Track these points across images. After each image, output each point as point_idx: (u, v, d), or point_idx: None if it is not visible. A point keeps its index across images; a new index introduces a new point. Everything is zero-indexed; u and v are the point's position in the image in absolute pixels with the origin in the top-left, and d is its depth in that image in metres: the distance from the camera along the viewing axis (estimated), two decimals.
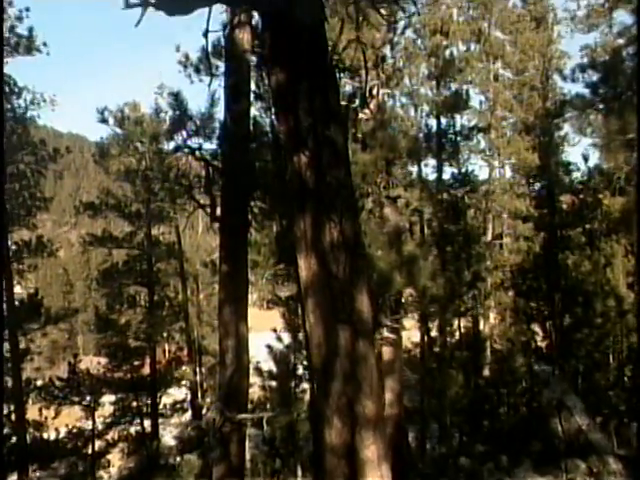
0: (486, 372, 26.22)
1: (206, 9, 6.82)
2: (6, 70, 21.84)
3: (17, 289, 23.88)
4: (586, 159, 26.04)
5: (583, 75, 19.54)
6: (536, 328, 25.87)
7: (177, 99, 12.97)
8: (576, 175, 26.88)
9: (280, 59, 6.50)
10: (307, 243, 5.75)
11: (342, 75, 12.13)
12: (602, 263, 21.85)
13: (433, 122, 23.33)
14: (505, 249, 29.93)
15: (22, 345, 21.65)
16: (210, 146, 13.28)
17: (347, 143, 7.53)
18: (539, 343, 25.74)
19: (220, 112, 12.88)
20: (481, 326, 28.22)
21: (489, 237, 29.73)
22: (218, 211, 12.06)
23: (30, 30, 21.54)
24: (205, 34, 8.06)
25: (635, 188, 11.42)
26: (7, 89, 22.03)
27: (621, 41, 21.90)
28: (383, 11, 6.07)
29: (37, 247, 22.56)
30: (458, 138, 23.30)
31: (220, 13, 12.21)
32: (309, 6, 6.23)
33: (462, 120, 26.31)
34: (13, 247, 22.29)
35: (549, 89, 29.13)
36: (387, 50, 16.92)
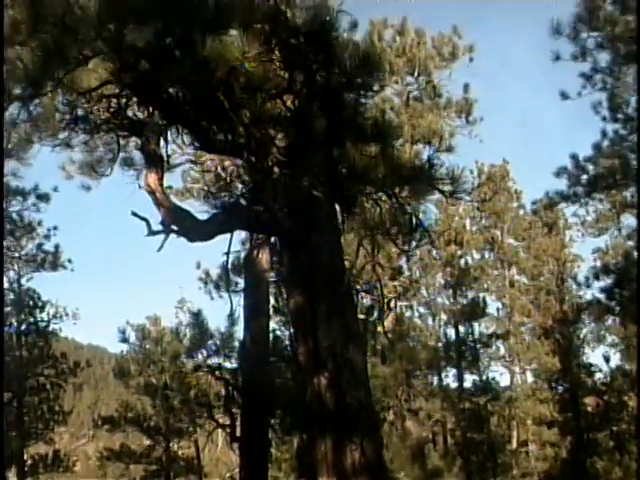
0: None
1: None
2: (31, 284, 22.79)
3: None
4: (607, 360, 25.93)
5: (597, 280, 20.03)
6: None
7: (197, 318, 13.43)
8: (599, 376, 26.60)
9: (298, 281, 6.91)
10: (328, 466, 5.82)
11: (359, 289, 12.63)
12: (634, 468, 21.03)
13: (451, 331, 23.69)
14: (531, 456, 28.94)
15: None
16: (230, 365, 13.52)
17: (366, 360, 7.77)
18: None
19: (240, 330, 13.22)
20: None
21: (514, 445, 28.88)
22: (238, 431, 12.04)
23: (56, 247, 22.74)
24: (227, 253, 8.63)
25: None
26: (31, 302, 22.86)
27: (631, 243, 22.65)
28: (399, 241, 6.59)
29: (54, 462, 22.23)
30: (477, 346, 23.50)
31: (239, 233, 13.03)
32: (326, 232, 6.74)
33: (480, 328, 26.64)
34: (29, 462, 21.99)
35: (565, 292, 29.61)
36: (403, 262, 17.64)
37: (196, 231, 6.84)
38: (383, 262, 14.10)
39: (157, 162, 6.88)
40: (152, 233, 6.99)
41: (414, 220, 6.12)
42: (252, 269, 12.52)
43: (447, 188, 6.31)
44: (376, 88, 6.47)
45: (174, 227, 6.89)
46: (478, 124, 21.94)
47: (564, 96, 14.90)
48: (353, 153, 5.87)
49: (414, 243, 6.41)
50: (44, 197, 21.13)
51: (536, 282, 31.05)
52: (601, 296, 19.10)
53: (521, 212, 32.69)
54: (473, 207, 26.08)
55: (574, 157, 15.90)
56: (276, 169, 6.04)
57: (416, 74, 21.31)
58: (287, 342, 13.89)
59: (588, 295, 22.98)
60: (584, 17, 13.30)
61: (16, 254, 21.94)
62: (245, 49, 4.95)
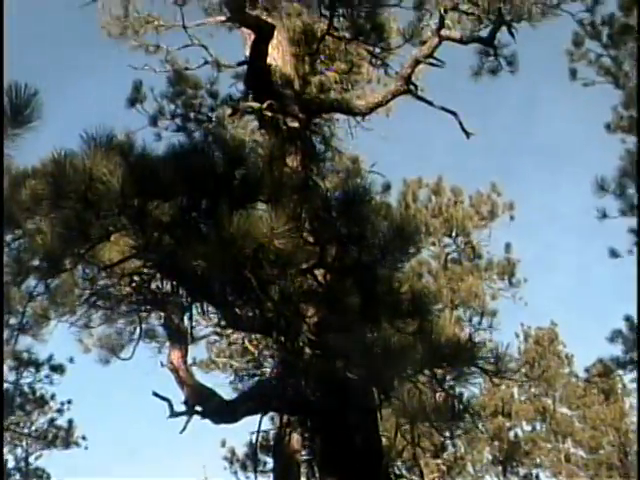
0: None
1: None
2: (40, 463, 22.17)
3: None
4: None
5: None
6: None
7: None
8: None
9: (332, 464, 6.63)
10: None
11: (398, 473, 12.08)
12: None
13: None
14: None
15: None
16: None
17: None
18: None
19: None
20: None
21: None
22: None
23: (70, 422, 22.22)
24: (256, 432, 8.29)
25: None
26: None
27: None
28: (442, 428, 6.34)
29: None
30: None
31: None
32: (362, 412, 6.53)
33: None
34: None
35: (629, 467, 28.21)
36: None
37: (222, 413, 6.71)
38: (424, 442, 13.57)
39: (181, 338, 6.84)
40: (174, 415, 6.85)
41: (458, 405, 5.88)
42: (282, 448, 12.11)
43: (491, 367, 6.13)
44: (412, 251, 6.45)
45: (198, 408, 6.76)
46: (522, 285, 21.87)
47: (614, 254, 14.78)
48: (389, 331, 5.75)
49: (459, 430, 6.13)
50: (58, 368, 20.93)
51: (595, 456, 29.70)
52: None
53: (574, 379, 31.83)
54: (521, 374, 25.45)
55: (628, 319, 15.52)
56: (307, 350, 5.94)
57: (454, 235, 21.55)
58: None
59: None
60: (629, 171, 13.43)
61: (25, 430, 21.46)
62: (274, 225, 4.97)
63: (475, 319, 18.70)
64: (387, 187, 16.40)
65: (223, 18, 8.89)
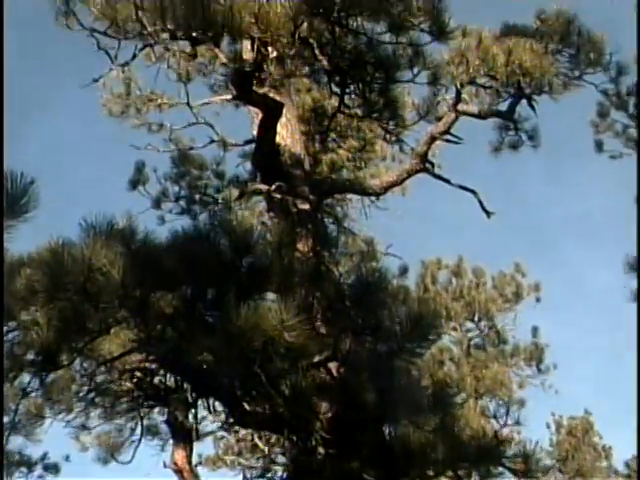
0: None
1: None
2: None
3: None
4: None
5: None
6: None
7: None
8: None
9: None
10: None
11: None
12: None
13: None
14: None
15: None
16: None
17: None
18: None
19: None
20: None
21: None
22: None
23: None
24: None
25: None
26: None
27: None
28: None
29: None
30: None
31: None
32: None
33: None
34: None
35: None
36: None
37: None
38: None
39: (185, 436, 6.77)
40: None
41: None
42: None
43: (520, 466, 6.05)
44: (432, 337, 6.43)
45: None
46: (552, 372, 21.59)
47: None
48: (408, 428, 5.69)
49: None
50: (53, 468, 20.46)
51: None
52: None
53: (613, 474, 31.06)
54: (554, 470, 24.87)
55: None
56: (321, 448, 5.86)
57: (477, 319, 21.42)
58: None
59: None
60: None
61: None
62: (284, 317, 4.98)
63: (502, 410, 18.40)
64: (404, 270, 16.47)
65: (229, 97, 9.08)
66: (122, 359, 6.09)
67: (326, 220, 10.50)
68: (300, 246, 7.61)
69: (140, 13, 6.15)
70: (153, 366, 6.11)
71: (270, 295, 5.75)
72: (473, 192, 9.58)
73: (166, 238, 5.98)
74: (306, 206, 8.04)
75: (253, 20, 5.84)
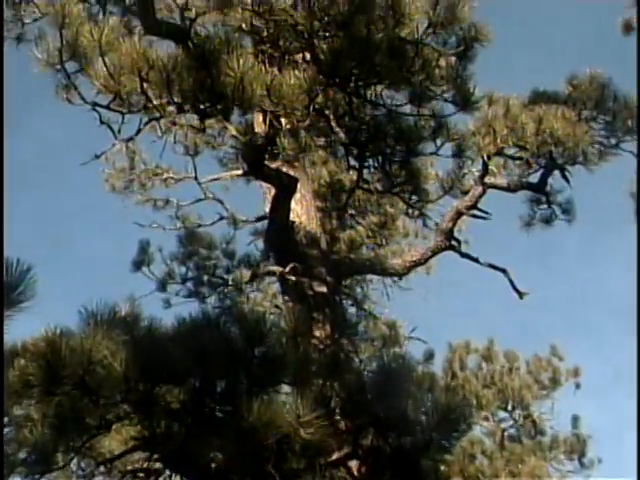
0: None
1: None
2: None
3: None
4: None
5: None
6: None
7: None
8: None
9: None
10: None
11: None
12: None
13: None
14: None
15: None
16: None
17: None
18: None
19: None
20: None
21: None
22: None
23: None
24: None
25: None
26: None
27: None
28: None
29: None
30: None
31: None
32: None
33: None
34: None
35: None
36: None
37: None
38: None
39: None
40: None
41: None
42: None
43: None
44: (462, 429, 6.33)
45: None
46: (596, 466, 21.14)
47: None
48: None
49: None
50: None
51: None
52: None
53: None
54: None
55: None
56: None
57: (510, 408, 21.10)
58: None
59: None
60: None
61: None
62: (299, 412, 4.93)
63: None
64: (430, 355, 16.33)
65: (240, 172, 9.20)
66: (124, 458, 6.03)
67: (345, 302, 10.49)
68: (317, 332, 7.59)
69: (145, 85, 6.22)
70: (158, 466, 6.03)
71: (285, 388, 5.71)
72: (503, 271, 9.57)
73: (172, 325, 5.97)
74: (323, 288, 8.05)
75: (265, 92, 5.91)
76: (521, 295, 9.65)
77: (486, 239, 13.56)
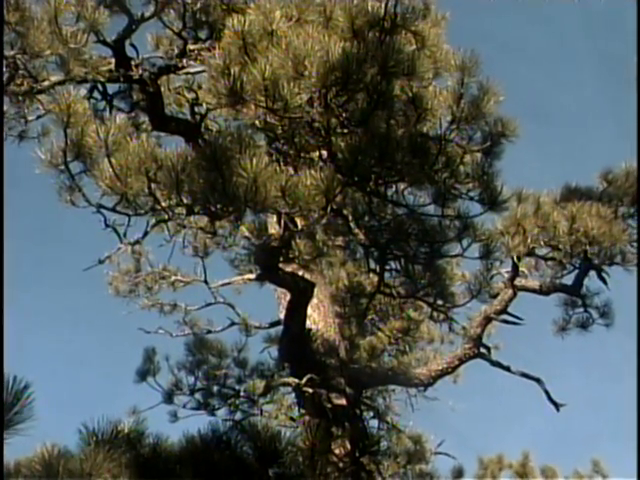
0: None
1: None
2: None
3: None
4: None
5: None
6: None
7: None
8: None
9: None
10: None
11: None
12: None
13: None
14: None
15: None
16: None
17: None
18: None
19: None
20: None
21: None
22: None
23: None
24: None
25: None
26: None
27: None
28: None
29: None
30: None
31: None
32: None
33: None
34: None
35: None
36: None
37: None
38: None
39: None
40: None
41: None
42: None
43: None
44: None
45: None
46: None
47: None
48: None
49: None
50: None
51: None
52: None
53: None
54: None
55: None
56: None
57: None
58: None
59: None
60: None
61: None
62: None
63: None
64: (459, 472, 15.93)
65: (252, 275, 9.19)
66: None
67: (365, 414, 10.34)
68: (335, 448, 7.47)
69: (153, 186, 6.25)
70: None
71: None
72: (537, 380, 9.46)
73: (179, 442, 5.90)
74: (342, 401, 7.96)
75: (280, 194, 5.92)
76: (557, 407, 9.51)
77: (517, 343, 13.42)
